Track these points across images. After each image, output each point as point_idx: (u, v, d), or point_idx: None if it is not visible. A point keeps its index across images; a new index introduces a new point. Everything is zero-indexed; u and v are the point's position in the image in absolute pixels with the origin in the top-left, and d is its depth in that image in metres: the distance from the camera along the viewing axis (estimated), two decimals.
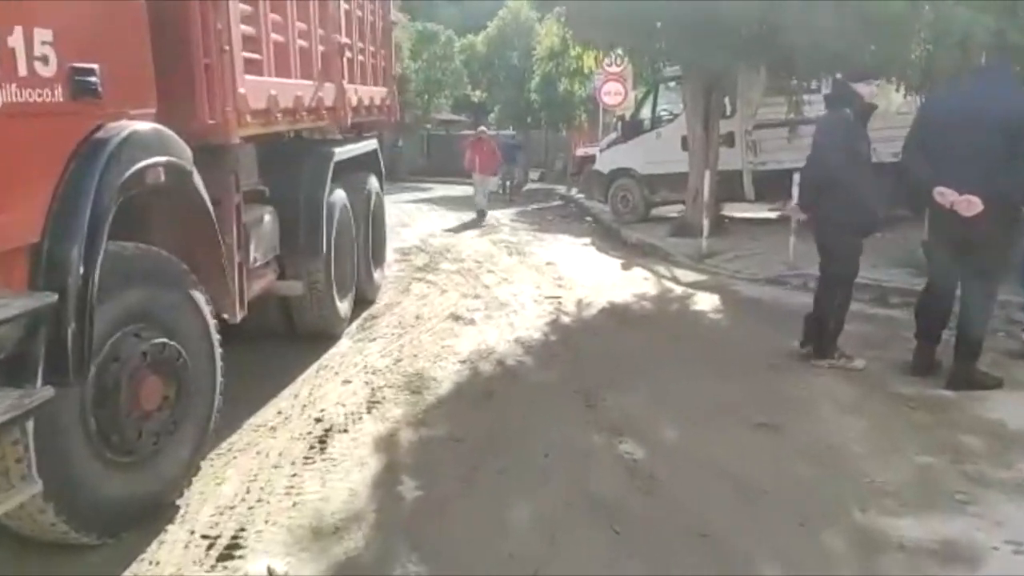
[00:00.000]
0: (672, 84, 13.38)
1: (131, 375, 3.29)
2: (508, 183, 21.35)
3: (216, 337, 4.03)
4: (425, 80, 34.35)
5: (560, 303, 7.94)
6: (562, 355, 6.16)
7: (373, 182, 7.99)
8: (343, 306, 6.72)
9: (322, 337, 6.49)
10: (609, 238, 12.81)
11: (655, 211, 13.65)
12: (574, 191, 20.56)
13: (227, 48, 4.22)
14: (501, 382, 5.54)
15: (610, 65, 17.82)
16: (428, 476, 4.02)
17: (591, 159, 18.60)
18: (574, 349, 6.29)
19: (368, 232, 7.69)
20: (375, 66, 8.45)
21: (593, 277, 9.40)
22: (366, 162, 8.04)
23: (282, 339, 6.39)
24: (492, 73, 29.71)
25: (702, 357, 6.08)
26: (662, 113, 13.29)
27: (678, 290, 8.60)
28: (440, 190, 25.56)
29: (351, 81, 7.23)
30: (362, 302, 7.72)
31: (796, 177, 8.90)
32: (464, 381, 5.57)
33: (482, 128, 20.02)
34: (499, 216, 16.69)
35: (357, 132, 8.58)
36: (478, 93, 31.14)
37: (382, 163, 8.60)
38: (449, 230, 14.24)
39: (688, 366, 5.83)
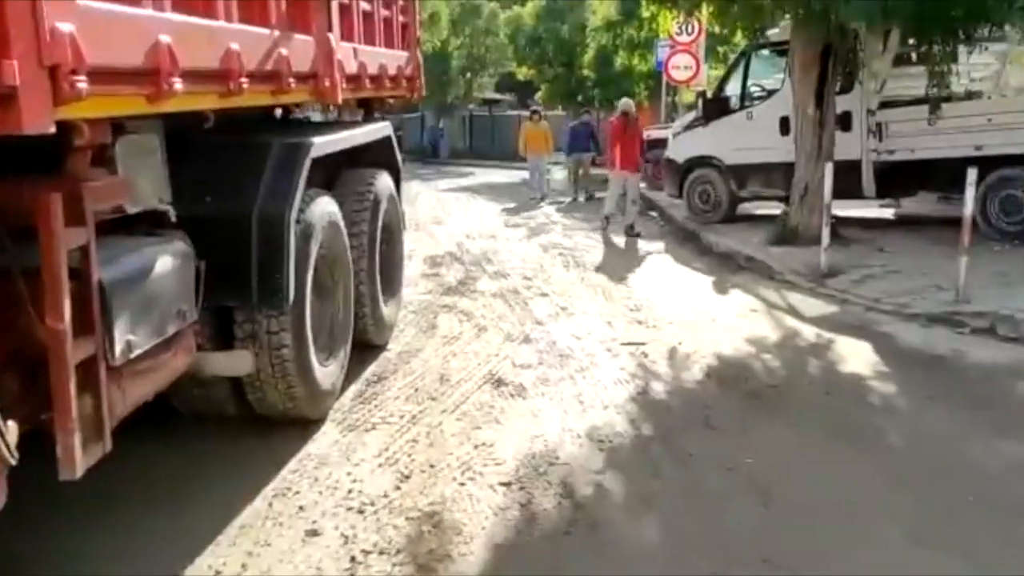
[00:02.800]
0: (766, 53, 10.86)
1: None
2: (580, 182, 15.70)
3: None
4: (467, 57, 32.19)
5: (645, 355, 5.60)
6: (668, 475, 3.84)
7: (384, 183, 5.73)
8: (328, 372, 4.50)
9: (294, 423, 4.28)
10: (687, 243, 10.38)
11: (739, 208, 11.19)
12: None
13: None
14: (572, 545, 3.25)
15: (679, 34, 15.32)
16: None
17: (656, 143, 16.16)
18: (686, 463, 3.96)
19: (375, 256, 5.45)
20: (390, 22, 6.18)
21: (680, 306, 7.03)
22: (374, 155, 5.79)
23: (226, 427, 4.20)
24: (540, 48, 27.19)
25: (912, 492, 3.71)
26: (753, 89, 10.78)
27: (805, 331, 6.19)
28: (482, 175, 23.32)
29: (347, 38, 4.97)
30: (367, 348, 5.51)
31: (970, 174, 6.48)
32: (508, 535, 3.29)
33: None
34: (547, 209, 14.35)
35: (367, 112, 6.36)
36: (524, 70, 28.65)
37: (399, 155, 6.33)
38: (491, 228, 11.95)
39: (900, 519, 3.47)
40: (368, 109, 6.40)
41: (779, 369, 5.36)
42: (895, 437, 4.24)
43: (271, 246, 3.81)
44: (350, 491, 3.65)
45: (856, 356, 5.52)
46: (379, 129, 5.85)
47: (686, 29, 15.10)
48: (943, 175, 8.88)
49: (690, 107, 17.83)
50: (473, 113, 33.86)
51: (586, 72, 22.34)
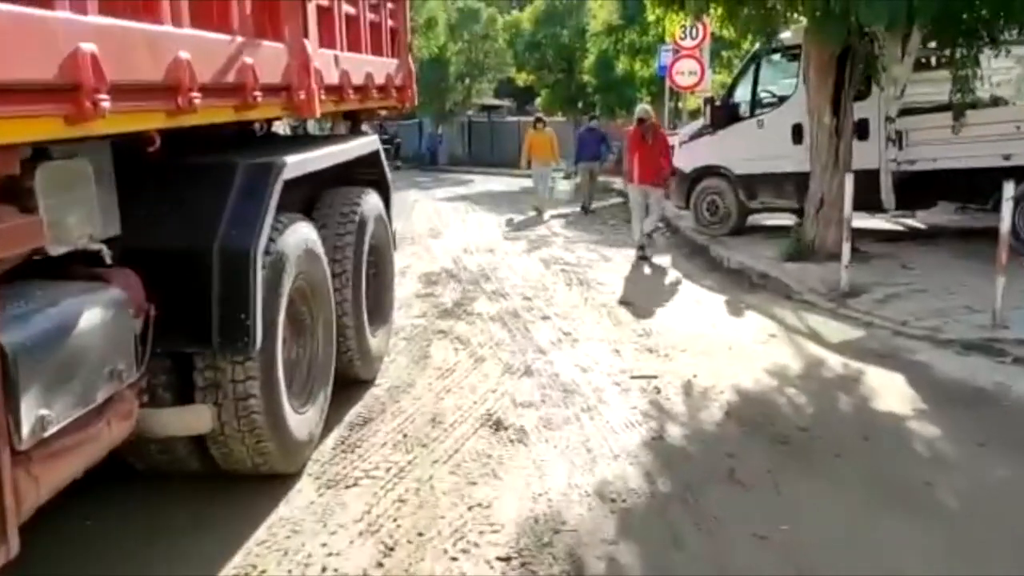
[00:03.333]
0: (776, 57, 10.38)
1: None
2: (588, 192, 14.86)
3: None
4: (466, 62, 31.77)
5: (657, 390, 5.10)
6: (690, 545, 3.33)
7: (372, 203, 5.24)
8: (305, 419, 4.00)
9: (266, 479, 3.79)
10: (695, 257, 9.89)
11: (748, 219, 10.70)
12: None
13: None
14: None
15: (684, 38, 14.85)
16: None
17: None
18: (711, 529, 3.45)
19: (361, 284, 4.96)
20: (378, 26, 5.70)
21: (693, 330, 6.54)
22: (360, 173, 5.32)
23: (187, 485, 3.70)
24: (539, 53, 26.76)
25: (974, 564, 3.21)
26: (763, 96, 10.29)
27: (831, 361, 5.69)
28: (481, 183, 22.85)
29: (327, 44, 4.50)
30: (353, 384, 5.02)
31: (1007, 188, 5.99)
32: None
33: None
34: (549, 221, 13.86)
35: (353, 124, 5.89)
36: (523, 76, 28.22)
37: (388, 171, 5.84)
38: (490, 241, 11.46)
39: None
40: (355, 122, 5.92)
41: (807, 407, 4.85)
42: (948, 494, 3.74)
43: (234, 283, 3.32)
44: (324, 569, 3.15)
45: (890, 391, 5.02)
46: (365, 144, 5.36)
47: (691, 34, 14.64)
48: (966, 186, 8.40)
49: (694, 114, 17.41)
50: (472, 119, 33.44)
51: (587, 78, 21.87)
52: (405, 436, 4.43)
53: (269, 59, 3.61)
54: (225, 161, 3.60)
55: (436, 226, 13.46)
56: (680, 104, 18.93)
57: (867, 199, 8.76)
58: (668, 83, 15.97)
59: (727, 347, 6.04)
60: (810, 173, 8.63)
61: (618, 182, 18.43)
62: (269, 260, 3.55)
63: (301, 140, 5.22)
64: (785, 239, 9.31)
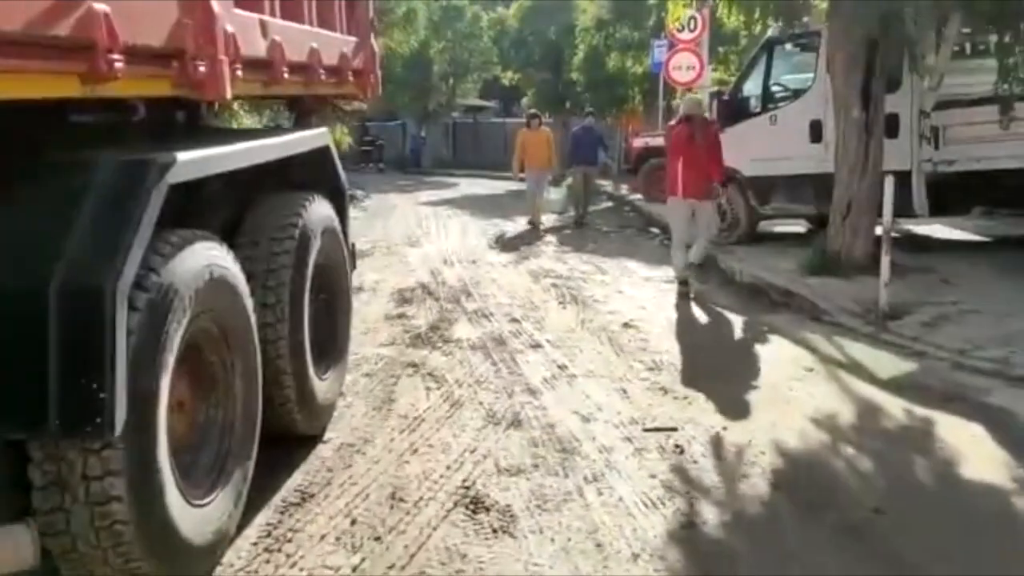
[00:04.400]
0: (788, 47, 9.36)
1: None
2: (583, 199, 13.19)
3: None
4: (450, 61, 30.72)
5: (679, 448, 4.03)
6: None
7: (320, 213, 4.16)
8: (209, 514, 2.91)
9: None
10: (702, 270, 8.84)
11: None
12: (624, 188, 16.52)
13: None
14: None
15: (681, 31, 13.85)
16: None
17: (652, 151, 14.67)
18: None
19: (302, 316, 3.88)
20: None
21: (712, 362, 5.50)
22: (304, 174, 4.24)
23: None
24: (526, 52, 25.72)
25: None
26: (774, 89, 9.27)
27: (887, 405, 4.64)
28: (465, 186, 21.82)
29: (250, 6, 3.42)
30: (294, 442, 3.95)
31: None
32: None
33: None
34: (544, 235, 12.82)
35: (299, 115, 4.82)
36: (509, 75, 27.15)
37: (341, 172, 4.75)
38: (473, 251, 10.38)
39: None
40: (302, 113, 4.84)
41: (875, 477, 3.79)
42: None
43: (81, 336, 2.24)
44: None
45: (973, 449, 3.98)
46: (310, 139, 4.28)
47: (689, 25, 13.65)
48: (1017, 188, 7.40)
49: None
50: (456, 121, 32.43)
51: (575, 76, 20.83)
52: (353, 523, 3.33)
53: (142, 13, 2.53)
54: (79, 158, 2.52)
55: (415, 233, 12.38)
56: (675, 102, 17.93)
57: (897, 204, 7.74)
58: (664, 79, 14.92)
59: (756, 385, 5.00)
60: (835, 175, 7.61)
61: (605, 184, 17.44)
62: (146, 299, 2.48)
63: (225, 133, 4.14)
64: (800, 248, 8.31)
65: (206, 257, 2.90)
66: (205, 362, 3.08)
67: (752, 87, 9.37)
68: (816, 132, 8.52)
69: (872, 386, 4.94)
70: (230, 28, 3.06)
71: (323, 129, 4.52)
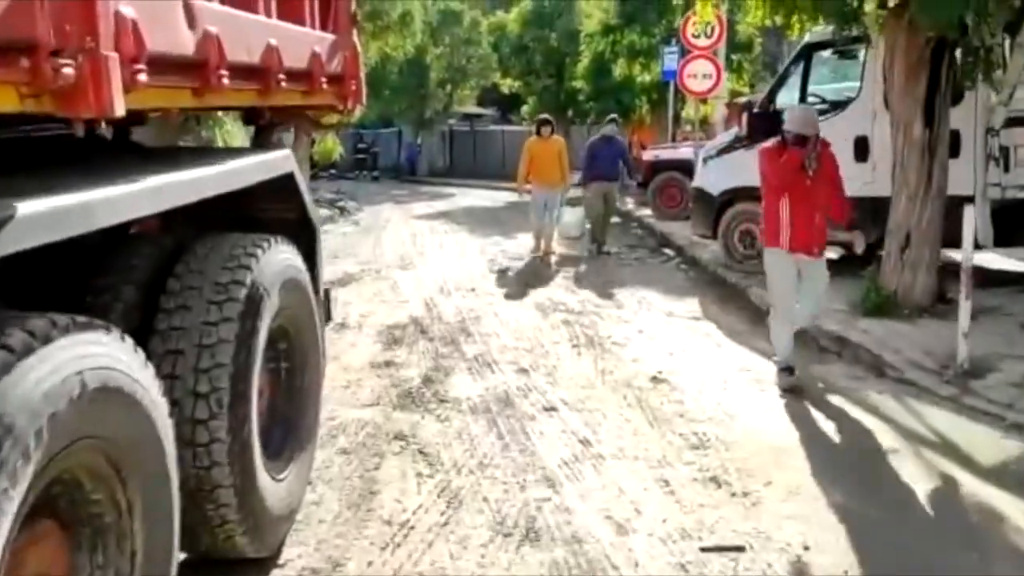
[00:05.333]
0: (828, 54, 8.39)
1: None
2: (600, 225, 11.05)
3: None
4: (447, 68, 29.83)
5: None
6: None
7: (278, 262, 3.14)
8: None
9: None
10: (730, 304, 7.85)
11: None
12: (630, 203, 15.43)
13: None
14: None
15: (697, 36, 12.91)
16: None
17: (663, 165, 13.72)
18: None
19: (249, 401, 2.85)
20: None
21: (768, 435, 4.49)
22: (259, 211, 3.24)
23: None
24: (526, 58, 24.80)
25: None
26: (813, 101, 8.28)
27: (1010, 513, 3.62)
28: (462, 197, 20.89)
29: None
30: (236, 568, 2.93)
31: None
32: None
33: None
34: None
35: (258, 132, 3.80)
36: (509, 82, 26.22)
37: (310, 206, 3.73)
38: (472, 275, 9.38)
39: None
40: (261, 128, 3.83)
41: None
42: None
43: None
44: None
45: None
46: (266, 165, 3.26)
47: (706, 31, 12.71)
48: None
49: (702, 123, 15.45)
50: (453, 128, 31.53)
51: (579, 83, 19.87)
52: None
53: None
54: None
55: (408, 253, 11.40)
56: (686, 112, 16.96)
57: (953, 232, 6.77)
58: (678, 88, 13.97)
59: (833, 475, 3.98)
60: (891, 201, 6.62)
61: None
62: None
63: (150, 158, 3.13)
64: (843, 281, 7.29)
65: (72, 359, 1.88)
66: (83, 503, 2.06)
67: (787, 97, 8.39)
68: (862, 150, 7.56)
69: (977, 478, 3.93)
70: (127, 10, 2.05)
71: (286, 152, 3.50)
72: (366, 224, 15.59)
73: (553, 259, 10.44)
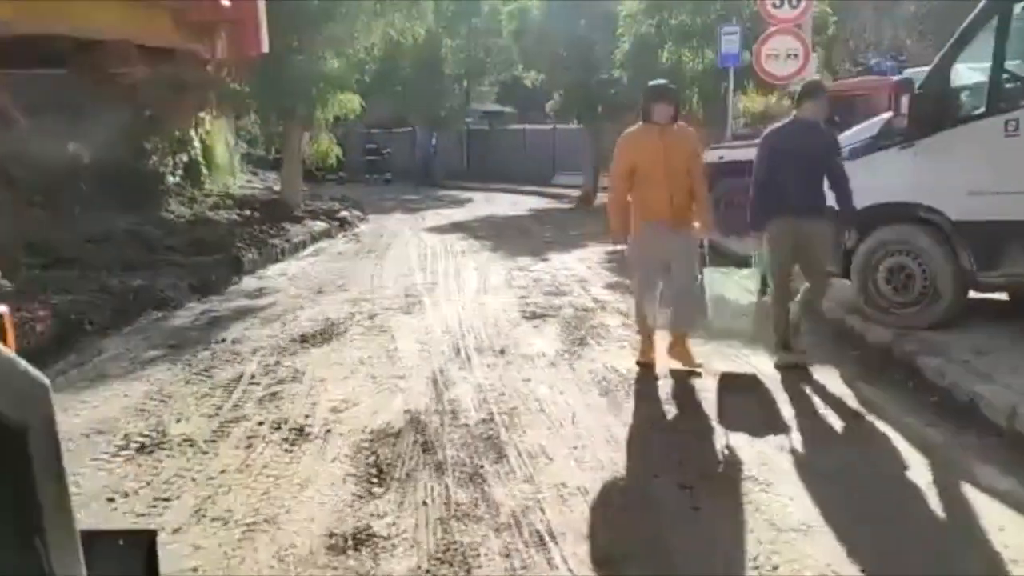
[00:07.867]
0: (1019, 10, 5.69)
1: None
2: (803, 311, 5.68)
3: None
4: (465, 61, 27.39)
5: None
6: None
7: None
8: None
9: None
10: (884, 377, 5.17)
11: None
12: None
13: None
14: None
15: (779, 6, 10.24)
16: None
17: (729, 167, 11.04)
18: None
19: None
20: None
21: None
22: None
23: None
24: (551, 48, 22.12)
25: None
26: (1008, 78, 5.62)
27: None
28: (482, 203, 18.39)
29: None
30: None
31: None
32: None
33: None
34: (575, 268, 9.25)
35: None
36: (532, 75, 23.58)
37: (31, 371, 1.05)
38: (499, 323, 6.77)
39: None
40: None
41: None
42: None
43: None
44: None
45: None
46: None
47: (790, 0, 10.04)
48: None
49: (760, 119, 12.73)
50: (471, 127, 29.07)
51: (618, 72, 17.13)
52: None
53: None
54: None
55: (414, 285, 8.81)
56: (744, 104, 14.24)
57: None
58: (756, 72, 11.26)
59: None
60: None
61: None
62: None
63: None
64: None
65: None
66: None
67: (966, 74, 5.71)
68: None
69: None
70: None
71: None
72: (369, 240, 13.11)
73: (679, 372, 5.37)
